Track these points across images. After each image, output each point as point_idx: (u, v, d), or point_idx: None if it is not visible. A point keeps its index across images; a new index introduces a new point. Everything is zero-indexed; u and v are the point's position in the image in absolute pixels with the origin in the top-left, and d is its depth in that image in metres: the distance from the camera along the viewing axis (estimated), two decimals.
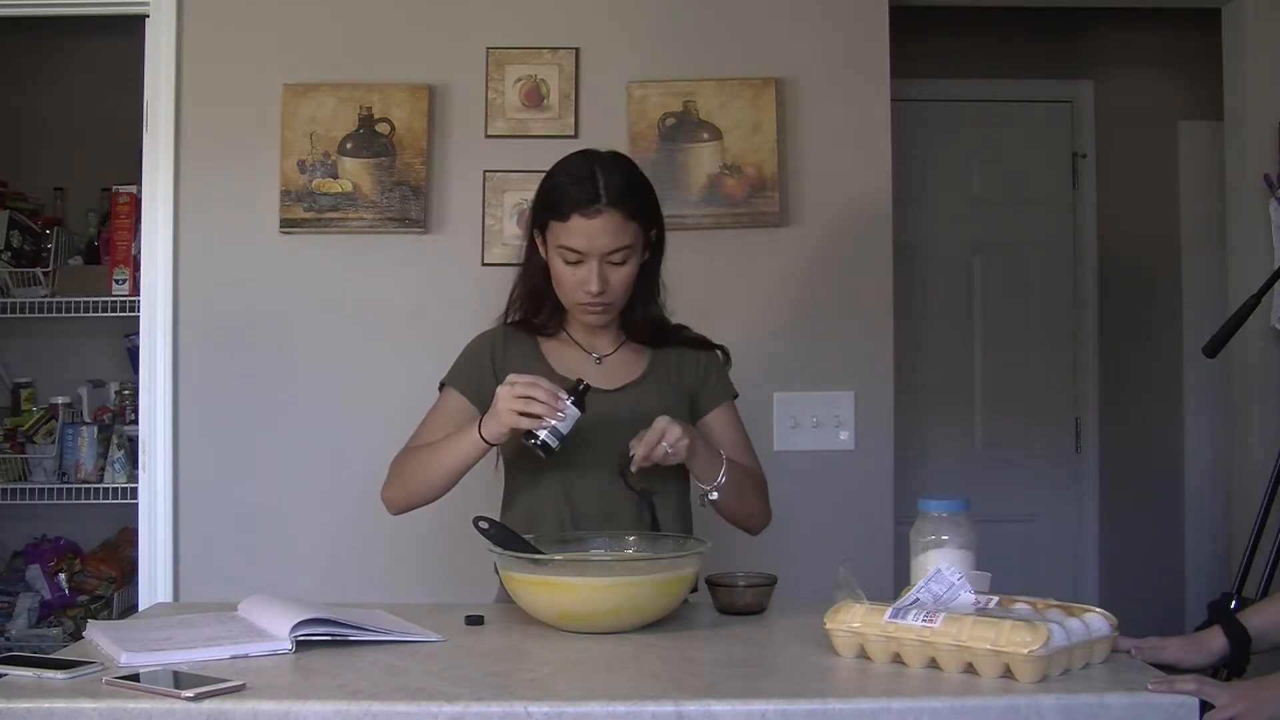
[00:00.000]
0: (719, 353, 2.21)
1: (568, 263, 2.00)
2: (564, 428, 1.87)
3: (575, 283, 2.01)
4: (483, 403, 2.06)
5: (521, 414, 1.86)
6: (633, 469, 1.93)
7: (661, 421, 1.91)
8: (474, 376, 2.10)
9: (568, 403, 1.87)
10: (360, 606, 1.84)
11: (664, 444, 1.90)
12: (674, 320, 2.19)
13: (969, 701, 1.39)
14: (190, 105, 3.00)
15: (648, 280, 2.11)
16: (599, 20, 3.04)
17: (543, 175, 2.08)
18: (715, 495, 2.00)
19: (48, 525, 3.96)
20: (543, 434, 1.86)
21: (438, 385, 2.15)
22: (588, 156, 2.04)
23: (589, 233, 1.96)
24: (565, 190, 1.99)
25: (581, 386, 1.91)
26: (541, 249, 2.07)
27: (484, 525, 1.81)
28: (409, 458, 2.07)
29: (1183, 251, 4.45)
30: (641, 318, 2.13)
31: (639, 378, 2.11)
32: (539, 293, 2.11)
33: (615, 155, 2.08)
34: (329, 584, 2.88)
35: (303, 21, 3.04)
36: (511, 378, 1.89)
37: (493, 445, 1.95)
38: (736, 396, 2.20)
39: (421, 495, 2.06)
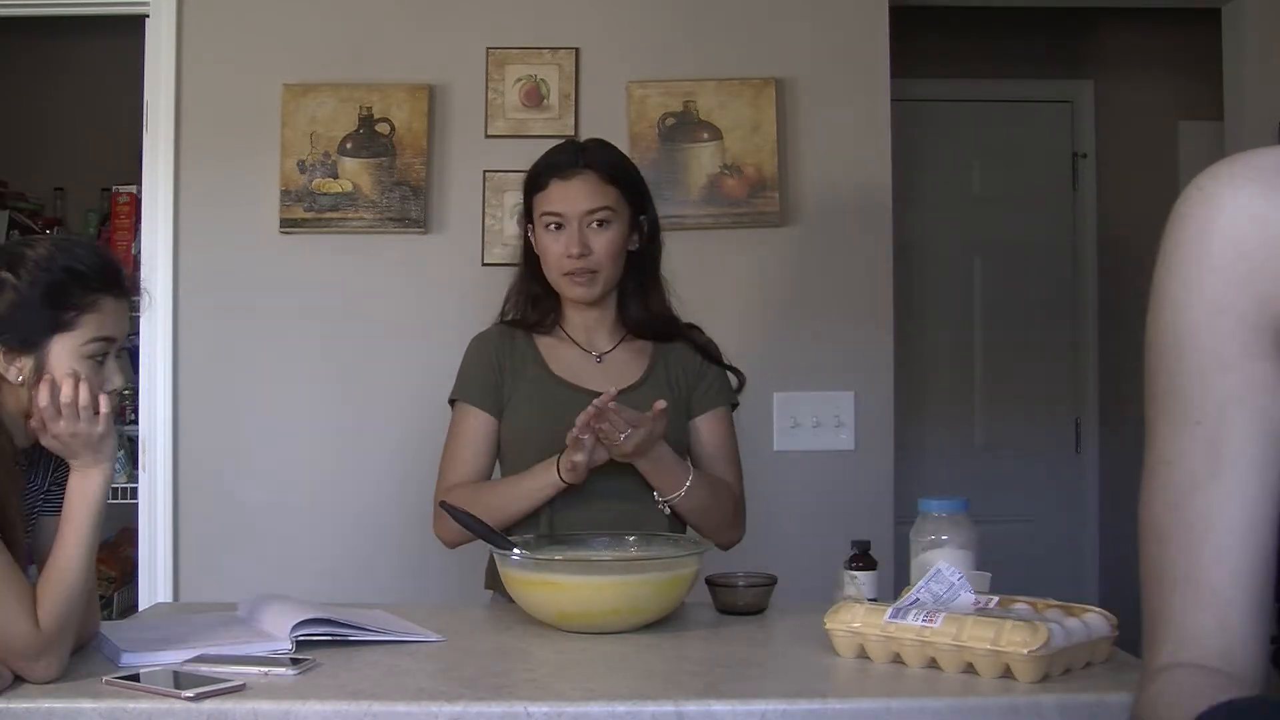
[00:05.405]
0: (731, 374, 2.17)
1: (550, 231, 2.03)
2: None
3: (559, 252, 2.03)
4: (499, 408, 2.06)
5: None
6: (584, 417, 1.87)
7: (646, 430, 1.89)
8: (484, 384, 2.08)
9: None
10: (360, 606, 1.84)
11: (622, 433, 1.86)
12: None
13: (969, 701, 1.39)
14: (190, 105, 3.00)
15: (643, 273, 2.11)
16: (599, 20, 3.04)
17: None
18: (668, 510, 1.99)
19: None
20: None
21: (448, 401, 2.11)
22: (569, 139, 2.16)
23: (566, 194, 2.02)
24: (544, 162, 2.08)
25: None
26: (533, 238, 2.09)
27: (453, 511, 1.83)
28: (471, 504, 1.91)
29: None
30: (641, 313, 2.12)
31: (639, 380, 2.08)
32: (536, 294, 2.11)
33: (598, 139, 2.17)
34: (329, 584, 2.87)
35: (303, 21, 3.03)
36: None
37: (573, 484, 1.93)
38: (735, 406, 2.17)
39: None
